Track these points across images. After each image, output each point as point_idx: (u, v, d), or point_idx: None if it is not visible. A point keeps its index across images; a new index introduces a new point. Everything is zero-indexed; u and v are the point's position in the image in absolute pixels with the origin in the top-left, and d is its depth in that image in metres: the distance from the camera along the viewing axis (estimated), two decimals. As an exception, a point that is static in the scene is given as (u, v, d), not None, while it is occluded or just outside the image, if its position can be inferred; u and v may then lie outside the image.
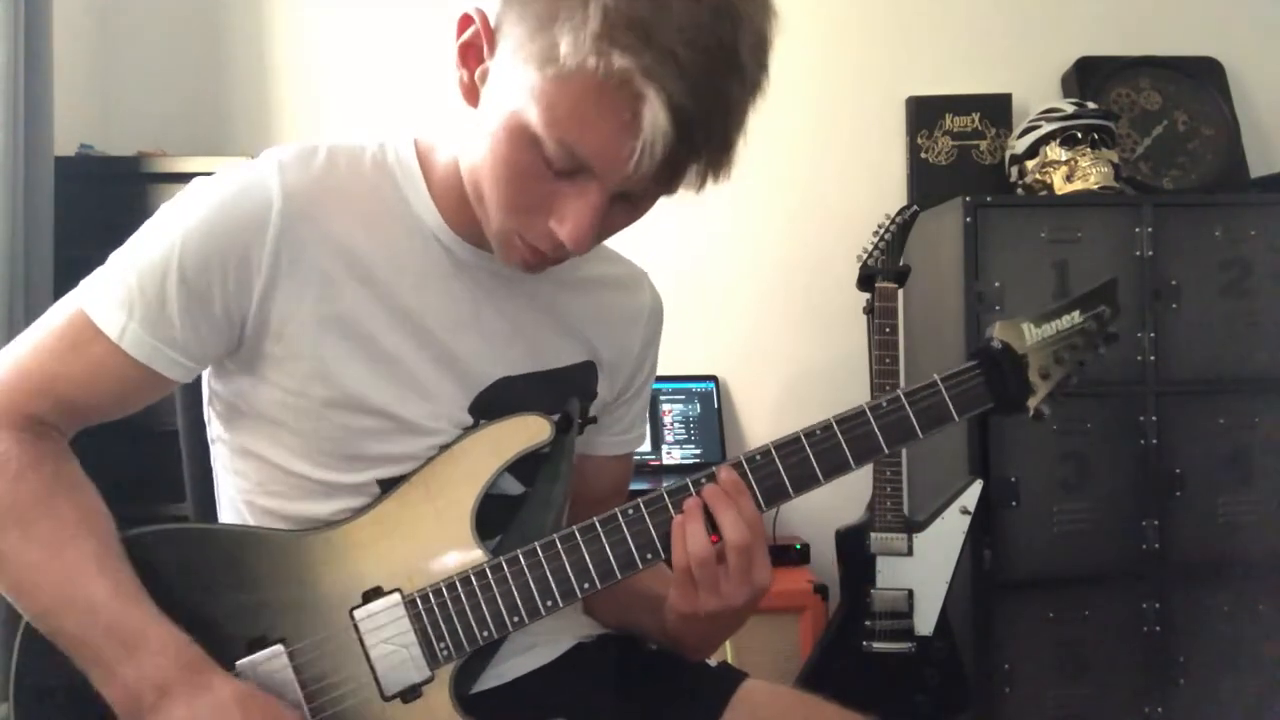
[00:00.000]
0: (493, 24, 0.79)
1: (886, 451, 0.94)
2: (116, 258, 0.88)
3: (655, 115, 0.73)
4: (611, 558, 0.90)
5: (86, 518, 0.86)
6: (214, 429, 0.99)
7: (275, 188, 0.87)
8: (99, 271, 0.88)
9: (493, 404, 0.96)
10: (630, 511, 0.91)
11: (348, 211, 0.90)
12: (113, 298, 0.86)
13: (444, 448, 0.94)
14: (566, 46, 0.72)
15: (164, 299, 0.85)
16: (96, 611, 0.81)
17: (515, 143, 0.79)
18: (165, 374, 0.88)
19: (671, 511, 0.91)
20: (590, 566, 0.90)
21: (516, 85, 0.77)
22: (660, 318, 1.10)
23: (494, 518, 0.94)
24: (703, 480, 0.91)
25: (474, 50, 0.82)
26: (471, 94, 0.84)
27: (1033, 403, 0.97)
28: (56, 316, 0.88)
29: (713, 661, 1.08)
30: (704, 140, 0.76)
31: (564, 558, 0.90)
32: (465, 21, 0.81)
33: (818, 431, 0.93)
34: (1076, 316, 0.99)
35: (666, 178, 0.79)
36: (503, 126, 0.79)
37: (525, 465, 0.97)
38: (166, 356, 0.87)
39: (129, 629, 0.81)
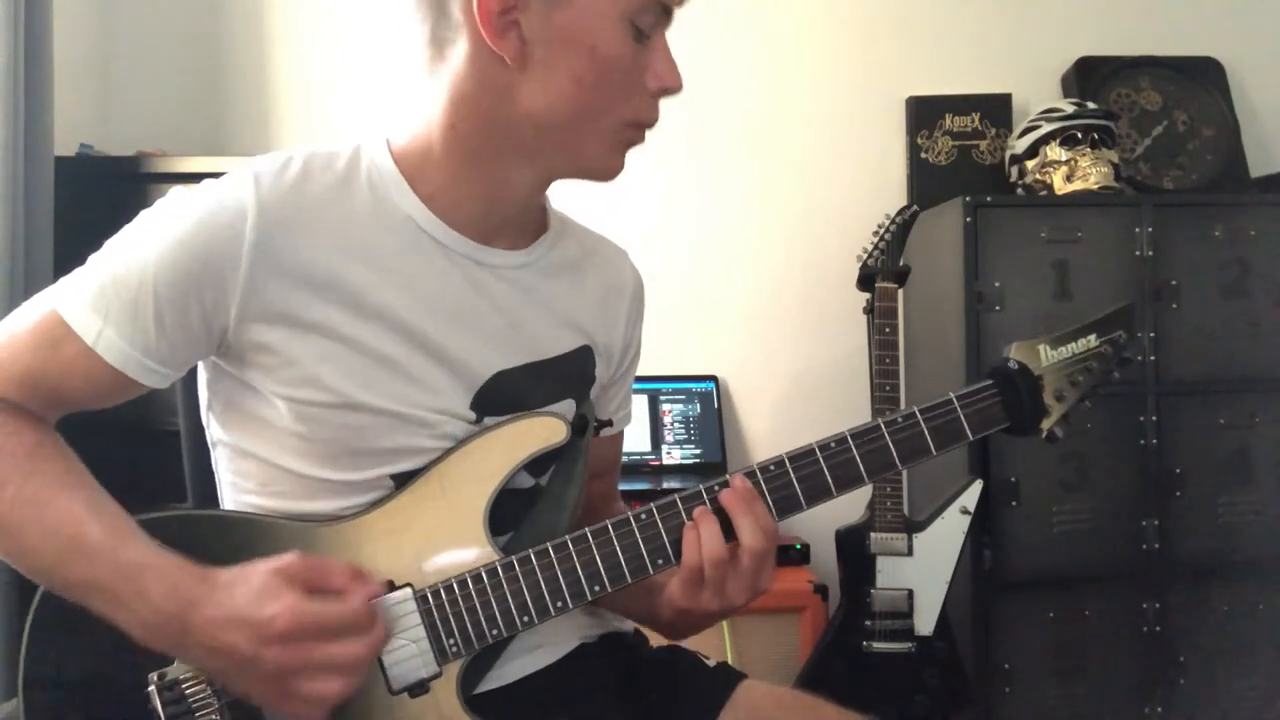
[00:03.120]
0: None
1: (900, 468, 0.94)
2: (94, 261, 0.88)
3: None
4: (622, 560, 0.91)
5: (70, 471, 0.87)
6: (213, 432, 0.98)
7: (250, 201, 0.86)
8: (77, 273, 0.89)
9: (493, 398, 0.96)
10: (643, 515, 0.92)
11: (326, 219, 0.90)
12: (88, 302, 0.86)
13: (459, 443, 0.94)
14: None
15: (138, 310, 0.86)
16: (96, 555, 0.82)
17: (612, 37, 0.88)
18: (138, 379, 0.88)
19: (684, 517, 0.91)
20: (601, 569, 0.90)
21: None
22: (642, 294, 1.12)
23: (507, 515, 0.94)
24: (716, 488, 0.92)
25: (504, 15, 0.85)
26: (522, 57, 0.87)
27: (1047, 424, 0.98)
28: (31, 313, 0.88)
29: (711, 661, 1.08)
30: None
31: (575, 559, 0.91)
32: None
33: (832, 444, 0.93)
34: (1093, 340, 1.00)
35: None
36: (593, 35, 0.87)
37: (538, 461, 0.97)
38: (140, 363, 0.87)
39: (130, 566, 0.81)
